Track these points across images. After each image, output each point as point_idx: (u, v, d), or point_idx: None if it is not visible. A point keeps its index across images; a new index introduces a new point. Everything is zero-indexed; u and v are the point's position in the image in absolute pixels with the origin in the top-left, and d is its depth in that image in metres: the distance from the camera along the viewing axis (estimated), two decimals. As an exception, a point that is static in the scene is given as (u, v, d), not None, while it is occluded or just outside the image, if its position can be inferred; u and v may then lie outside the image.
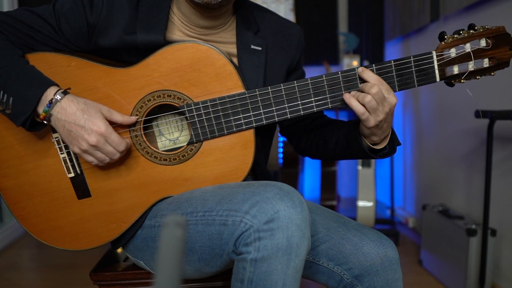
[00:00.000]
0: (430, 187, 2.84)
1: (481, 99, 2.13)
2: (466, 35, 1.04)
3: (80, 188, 1.07)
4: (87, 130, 0.97)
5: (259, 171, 1.19)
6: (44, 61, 1.04)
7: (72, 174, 1.07)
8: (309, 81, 1.04)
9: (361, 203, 2.78)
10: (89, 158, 1.01)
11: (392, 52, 3.46)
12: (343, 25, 3.69)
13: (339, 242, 1.05)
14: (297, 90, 1.05)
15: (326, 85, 1.05)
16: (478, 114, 1.86)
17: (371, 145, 1.09)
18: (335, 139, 1.17)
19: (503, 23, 2.03)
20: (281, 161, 2.97)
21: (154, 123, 1.12)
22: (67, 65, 1.04)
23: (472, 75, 1.05)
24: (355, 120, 1.12)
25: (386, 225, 3.00)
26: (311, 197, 3.58)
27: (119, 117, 1.02)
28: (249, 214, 0.88)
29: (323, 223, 1.09)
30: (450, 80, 1.06)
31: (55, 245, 1.11)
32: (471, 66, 1.04)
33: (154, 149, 1.07)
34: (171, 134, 1.12)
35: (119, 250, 1.31)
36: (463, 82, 1.07)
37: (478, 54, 1.04)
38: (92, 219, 1.08)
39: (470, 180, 2.33)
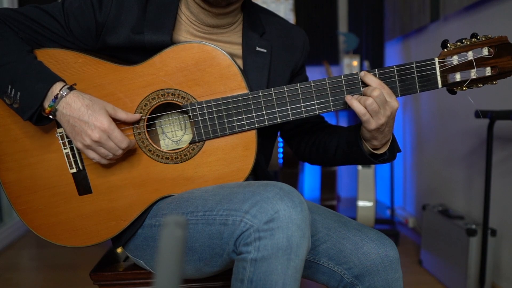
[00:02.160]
0: (430, 187, 2.84)
1: (481, 99, 2.13)
2: (468, 43, 1.04)
3: (82, 184, 1.08)
4: (91, 126, 0.97)
5: (260, 172, 1.19)
6: (52, 57, 1.06)
7: (74, 170, 1.08)
8: (312, 84, 1.05)
9: (361, 203, 2.78)
10: (91, 155, 1.01)
11: (392, 52, 3.46)
12: (343, 25, 3.69)
13: (339, 242, 1.05)
14: (300, 92, 1.06)
15: (328, 88, 1.05)
16: (478, 114, 1.87)
17: (372, 150, 1.09)
18: (335, 143, 1.17)
19: (503, 23, 2.03)
20: (281, 161, 2.98)
21: (157, 121, 1.12)
22: (75, 62, 1.06)
23: (474, 83, 1.06)
24: (356, 125, 1.12)
25: (386, 225, 3.00)
26: (311, 197, 3.58)
27: (123, 115, 1.03)
28: (249, 214, 0.89)
29: (324, 223, 1.09)
30: (452, 87, 1.07)
31: (54, 241, 1.10)
32: (473, 74, 1.05)
33: (157, 147, 1.07)
34: (174, 134, 1.12)
35: (119, 250, 1.32)
36: (465, 89, 1.07)
37: (480, 62, 1.05)
38: (92, 215, 1.08)
39: (470, 180, 2.33)
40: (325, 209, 1.15)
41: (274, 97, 1.05)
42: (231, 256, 0.93)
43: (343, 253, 1.04)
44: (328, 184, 3.00)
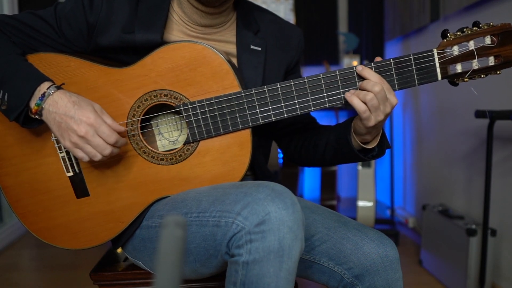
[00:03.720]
0: (430, 187, 2.84)
1: (481, 99, 2.13)
2: (469, 32, 1.00)
3: (79, 187, 1.08)
4: (77, 121, 0.95)
5: (259, 171, 1.19)
6: (44, 61, 1.06)
7: (71, 173, 1.08)
8: (306, 80, 1.03)
9: (361, 203, 2.78)
10: (80, 154, 0.98)
11: (392, 52, 3.46)
12: (343, 25, 3.69)
13: (339, 242, 1.05)
14: (293, 89, 1.03)
15: (323, 84, 1.03)
16: (479, 114, 1.86)
17: (362, 145, 1.07)
18: (325, 141, 1.15)
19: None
20: (281, 161, 2.97)
21: (153, 122, 1.12)
22: (67, 65, 1.06)
23: (476, 73, 1.02)
24: (347, 120, 1.11)
25: (386, 225, 3.00)
26: (311, 197, 3.58)
27: (109, 119, 0.99)
28: (241, 215, 0.88)
29: (324, 223, 1.09)
30: (453, 79, 1.04)
31: (55, 243, 1.11)
32: (475, 64, 1.01)
33: (151, 148, 1.07)
34: (170, 134, 1.12)
35: (119, 250, 1.32)
36: (466, 81, 1.03)
37: (483, 52, 1.01)
38: (90, 218, 1.09)
39: (470, 180, 2.33)
40: (325, 209, 1.15)
41: (267, 94, 1.04)
42: (224, 258, 0.92)
43: (343, 253, 1.04)
44: (328, 184, 3.00)
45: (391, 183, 3.25)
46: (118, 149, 1.01)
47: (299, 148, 1.24)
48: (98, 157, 0.98)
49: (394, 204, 3.28)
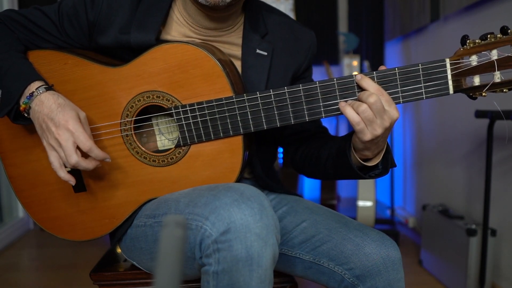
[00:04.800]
0: (430, 187, 2.84)
1: (481, 99, 2.12)
2: (493, 40, 0.88)
3: (76, 182, 1.08)
4: (56, 123, 0.96)
5: (259, 177, 1.17)
6: (43, 59, 1.08)
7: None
8: (301, 88, 0.97)
9: (361, 203, 2.78)
10: (51, 157, 0.98)
11: (392, 52, 3.46)
12: (343, 25, 3.69)
13: (340, 243, 1.03)
14: (287, 97, 0.98)
15: (319, 93, 0.97)
16: (479, 114, 1.86)
17: (362, 161, 1.02)
18: (327, 153, 1.10)
19: (503, 24, 2.02)
20: (281, 161, 2.97)
21: (154, 122, 1.12)
22: (64, 63, 1.07)
23: (497, 87, 0.89)
24: (348, 134, 1.05)
25: (386, 225, 3.00)
26: (311, 197, 3.58)
27: (85, 134, 0.97)
28: (209, 220, 0.86)
29: (325, 223, 1.08)
30: (468, 93, 0.92)
31: (55, 233, 1.14)
32: (497, 77, 0.89)
33: (144, 149, 1.07)
34: (171, 134, 1.12)
35: (119, 250, 1.32)
36: (484, 95, 0.91)
37: (507, 63, 0.87)
38: (87, 212, 1.11)
39: (470, 180, 2.33)
40: (326, 209, 1.14)
41: (259, 101, 0.99)
42: (199, 263, 0.90)
43: (344, 253, 1.03)
44: (328, 184, 3.00)
45: (391, 183, 3.25)
46: (95, 161, 0.99)
47: (303, 157, 1.19)
48: (70, 162, 0.96)
49: (394, 204, 3.28)
